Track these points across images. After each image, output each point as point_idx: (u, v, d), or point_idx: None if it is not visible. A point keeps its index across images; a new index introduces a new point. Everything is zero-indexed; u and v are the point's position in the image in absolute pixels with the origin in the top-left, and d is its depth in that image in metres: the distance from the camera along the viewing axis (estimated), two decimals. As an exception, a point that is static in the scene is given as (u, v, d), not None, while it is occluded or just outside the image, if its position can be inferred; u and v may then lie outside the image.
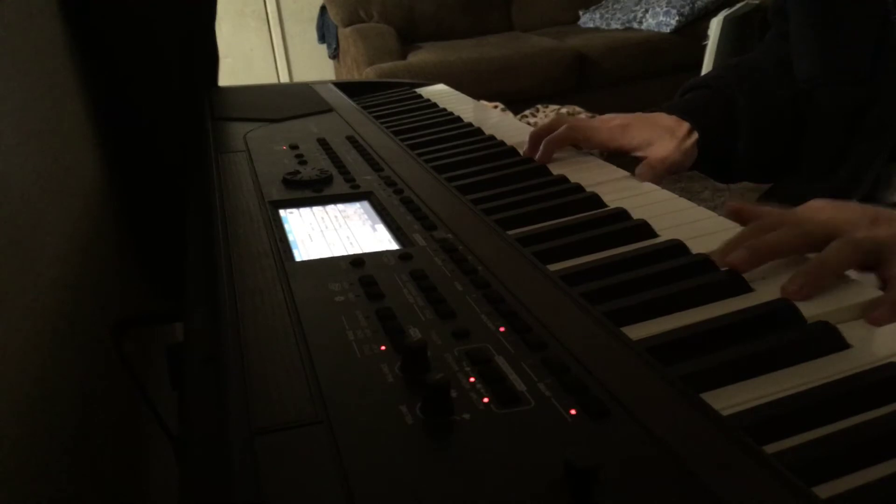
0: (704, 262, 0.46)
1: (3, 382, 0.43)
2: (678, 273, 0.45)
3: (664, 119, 0.76)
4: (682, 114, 0.77)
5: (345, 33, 3.18)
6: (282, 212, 0.53)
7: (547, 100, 2.70)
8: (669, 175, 0.74)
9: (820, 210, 0.49)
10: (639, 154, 0.74)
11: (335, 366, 0.33)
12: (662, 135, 0.74)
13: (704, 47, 2.58)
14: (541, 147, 0.71)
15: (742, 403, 0.33)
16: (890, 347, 0.37)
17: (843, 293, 0.43)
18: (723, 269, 0.45)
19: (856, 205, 0.49)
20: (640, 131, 0.74)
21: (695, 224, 0.54)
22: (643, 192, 0.62)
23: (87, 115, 0.78)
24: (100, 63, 0.81)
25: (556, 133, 0.71)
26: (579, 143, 0.75)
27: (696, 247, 0.49)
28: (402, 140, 0.74)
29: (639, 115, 0.76)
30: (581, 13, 3.58)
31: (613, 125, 0.74)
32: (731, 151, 0.81)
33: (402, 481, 0.26)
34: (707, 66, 2.54)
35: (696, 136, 0.75)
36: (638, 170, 0.69)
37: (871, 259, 0.44)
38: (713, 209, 0.57)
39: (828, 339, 0.38)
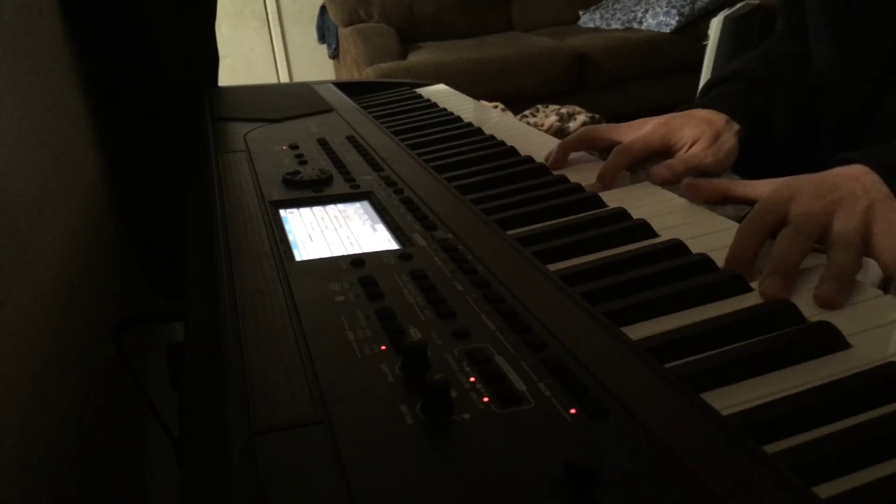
0: (704, 261, 0.47)
1: (3, 382, 0.43)
2: (678, 273, 0.45)
3: (703, 113, 0.70)
4: (722, 109, 0.70)
5: (345, 33, 3.18)
6: (282, 212, 0.53)
7: (547, 100, 2.70)
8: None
9: (797, 192, 0.48)
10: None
11: (335, 366, 0.33)
12: (705, 130, 0.68)
13: (704, 47, 2.59)
14: (554, 150, 0.68)
15: (742, 403, 0.33)
16: (890, 347, 0.37)
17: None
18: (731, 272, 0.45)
19: (810, 183, 0.49)
20: (685, 129, 0.68)
21: (695, 224, 0.54)
22: (643, 192, 0.62)
23: (87, 115, 0.78)
24: (100, 63, 0.81)
25: (571, 136, 0.69)
26: (601, 143, 0.71)
27: (696, 247, 0.49)
28: (402, 140, 0.74)
29: (672, 114, 0.70)
30: (581, 13, 3.59)
31: (656, 123, 0.68)
32: (767, 147, 0.74)
33: (402, 481, 0.26)
34: (707, 67, 2.55)
35: (736, 128, 0.69)
36: (654, 170, 0.64)
37: None
38: (713, 209, 0.57)
39: (828, 339, 0.38)
